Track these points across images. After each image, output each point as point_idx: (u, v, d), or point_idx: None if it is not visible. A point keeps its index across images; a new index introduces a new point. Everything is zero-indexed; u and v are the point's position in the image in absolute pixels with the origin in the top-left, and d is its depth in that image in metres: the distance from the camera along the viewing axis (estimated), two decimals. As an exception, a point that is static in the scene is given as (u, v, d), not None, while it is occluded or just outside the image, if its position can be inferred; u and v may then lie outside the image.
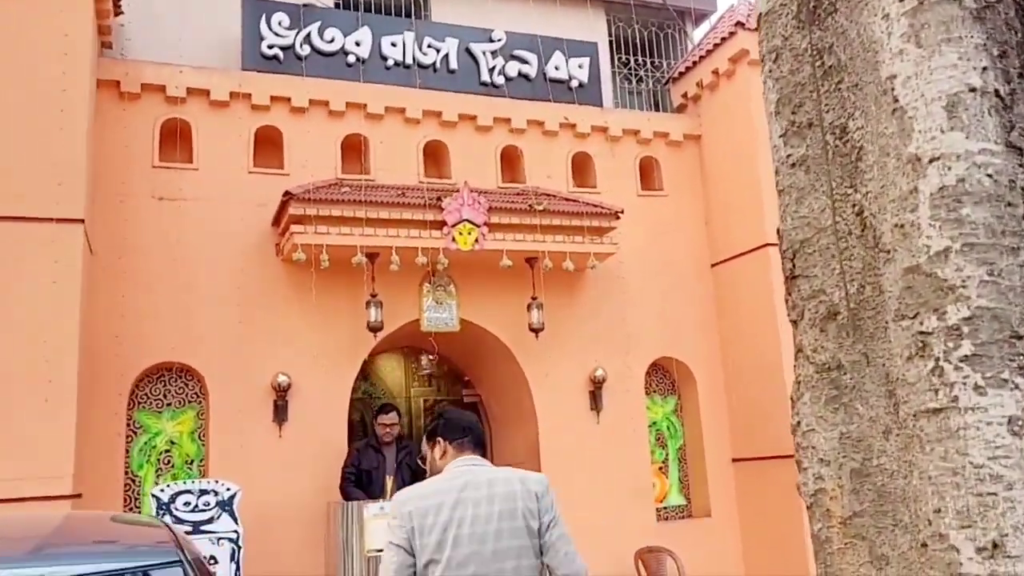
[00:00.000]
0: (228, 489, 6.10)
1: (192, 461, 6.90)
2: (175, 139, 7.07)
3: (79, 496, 6.21)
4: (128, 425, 6.80)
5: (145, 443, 6.83)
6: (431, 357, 8.02)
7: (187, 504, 5.97)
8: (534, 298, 7.58)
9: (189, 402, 7.00)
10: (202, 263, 6.98)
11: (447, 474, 2.80)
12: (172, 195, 7.00)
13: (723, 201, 8.64)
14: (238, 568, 5.96)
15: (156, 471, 6.81)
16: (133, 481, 6.71)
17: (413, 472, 6.63)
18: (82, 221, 5.92)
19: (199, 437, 6.92)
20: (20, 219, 5.71)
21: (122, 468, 6.56)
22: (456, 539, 2.60)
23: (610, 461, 7.91)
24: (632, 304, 8.31)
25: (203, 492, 6.03)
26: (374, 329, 7.05)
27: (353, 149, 7.67)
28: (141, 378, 6.87)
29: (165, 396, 6.95)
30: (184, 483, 6.05)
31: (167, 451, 6.87)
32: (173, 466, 6.86)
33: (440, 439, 2.90)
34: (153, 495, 5.93)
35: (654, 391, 8.59)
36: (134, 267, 6.78)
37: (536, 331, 7.57)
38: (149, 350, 6.71)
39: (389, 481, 6.36)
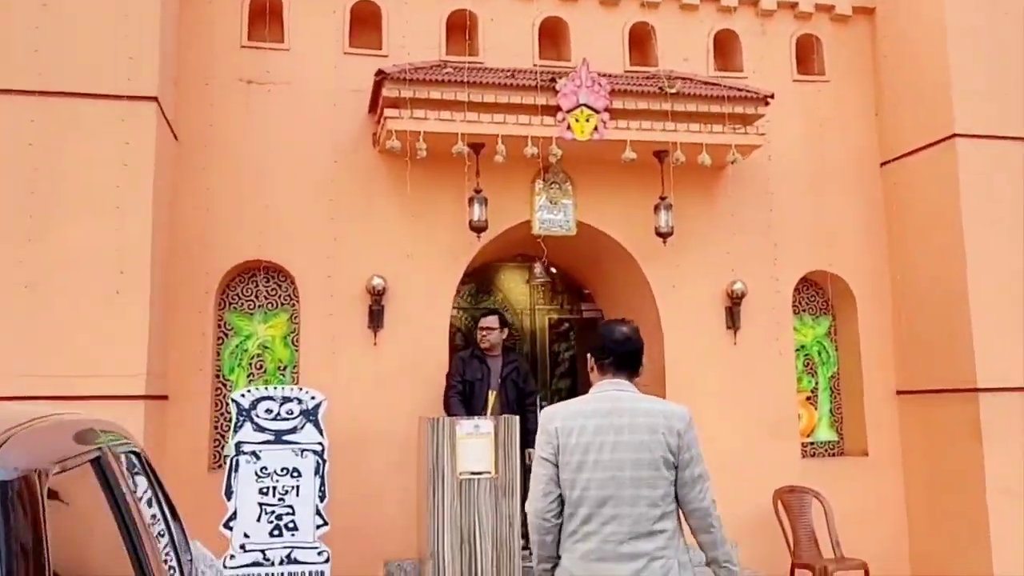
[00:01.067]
0: (313, 398, 5.57)
1: (285, 367, 6.44)
2: (264, 16, 6.42)
3: (164, 398, 5.88)
4: (219, 327, 6.39)
5: (236, 346, 6.42)
6: (543, 262, 7.16)
7: (269, 412, 5.48)
8: (663, 198, 6.54)
9: (282, 304, 6.51)
10: (292, 153, 6.38)
11: (592, 396, 2.88)
12: (261, 78, 6.39)
13: (900, 87, 7.19)
14: (323, 482, 5.45)
15: (248, 375, 6.40)
16: (224, 385, 6.33)
17: (519, 389, 5.91)
18: (155, 99, 5.39)
19: (292, 342, 6.43)
20: (87, 96, 5.24)
21: (211, 371, 6.17)
22: (596, 463, 2.72)
23: (748, 388, 6.88)
24: (780, 208, 7.10)
25: (286, 399, 5.53)
26: (477, 229, 6.25)
27: (459, 28, 6.78)
28: (232, 277, 6.42)
29: (257, 297, 6.48)
30: (266, 389, 5.56)
31: (259, 355, 6.44)
32: (265, 371, 6.42)
33: (589, 356, 2.95)
34: (233, 400, 5.48)
35: (804, 310, 7.41)
36: (220, 157, 6.26)
37: (664, 236, 6.56)
38: (236, 247, 6.22)
39: (491, 396, 5.65)
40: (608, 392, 2.86)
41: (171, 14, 5.89)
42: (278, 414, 5.50)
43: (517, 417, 5.40)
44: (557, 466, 2.75)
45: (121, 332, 5.18)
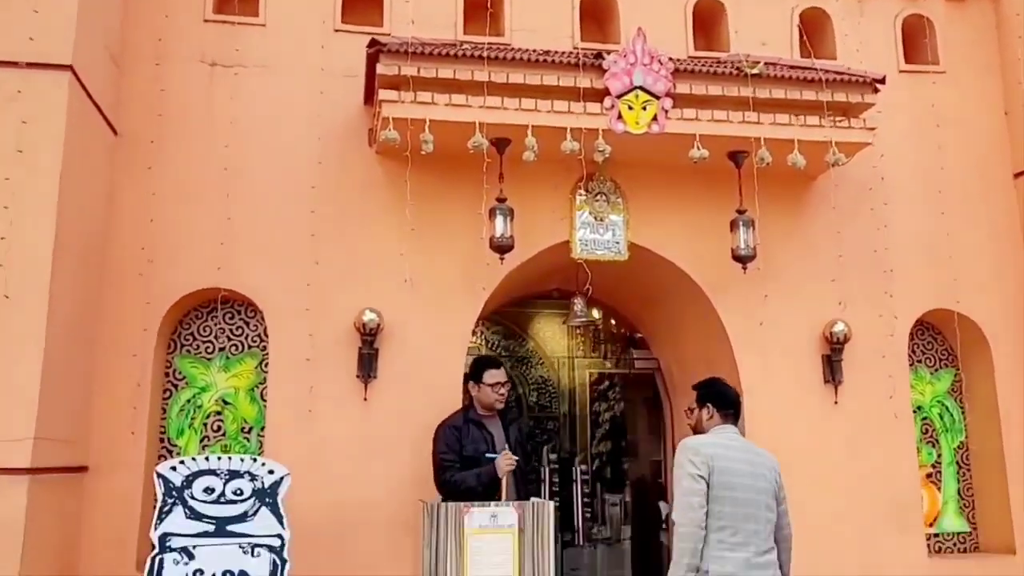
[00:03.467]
0: (271, 472, 4.07)
1: (251, 429, 4.96)
2: (235, -17, 5.13)
3: (82, 470, 4.41)
4: (167, 375, 4.94)
5: (188, 401, 4.95)
6: (585, 294, 5.63)
7: (209, 491, 3.99)
8: (741, 211, 5.03)
9: (249, 347, 5.05)
10: (265, 152, 5.00)
11: (722, 436, 3.53)
12: (228, 59, 5.05)
13: (1035, 78, 5.66)
14: (281, 591, 3.91)
15: (202, 440, 4.92)
16: (170, 453, 4.85)
17: (527, 450, 4.37)
18: (69, 68, 4.05)
19: (261, 396, 4.96)
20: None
21: (150, 434, 4.70)
22: (741, 485, 3.35)
23: (855, 462, 5.24)
24: (892, 227, 5.54)
25: (233, 475, 4.03)
26: (501, 248, 4.77)
27: (479, 7, 5.41)
28: (184, 311, 4.99)
29: (216, 337, 5.04)
30: (206, 459, 4.06)
31: (218, 413, 4.96)
32: (225, 434, 4.94)
33: (711, 405, 3.64)
34: (159, 475, 3.99)
35: (919, 360, 5.78)
36: (172, 155, 4.90)
37: (744, 261, 5.02)
38: (189, 271, 4.80)
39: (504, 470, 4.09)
40: (731, 434, 3.57)
41: (108, -30, 4.60)
42: (222, 495, 4.00)
43: (553, 504, 3.83)
44: (709, 485, 3.28)
45: (3, 382, 3.75)
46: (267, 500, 4.02)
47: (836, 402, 5.32)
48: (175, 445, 4.88)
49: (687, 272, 5.32)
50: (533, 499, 3.98)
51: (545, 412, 8.25)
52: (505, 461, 4.03)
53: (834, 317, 5.30)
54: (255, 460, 4.09)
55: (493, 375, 4.40)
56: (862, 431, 5.29)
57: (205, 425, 4.94)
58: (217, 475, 4.02)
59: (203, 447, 4.88)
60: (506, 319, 7.69)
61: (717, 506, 3.26)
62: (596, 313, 6.82)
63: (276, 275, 4.87)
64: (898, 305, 5.43)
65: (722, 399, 3.63)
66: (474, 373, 4.51)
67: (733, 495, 3.29)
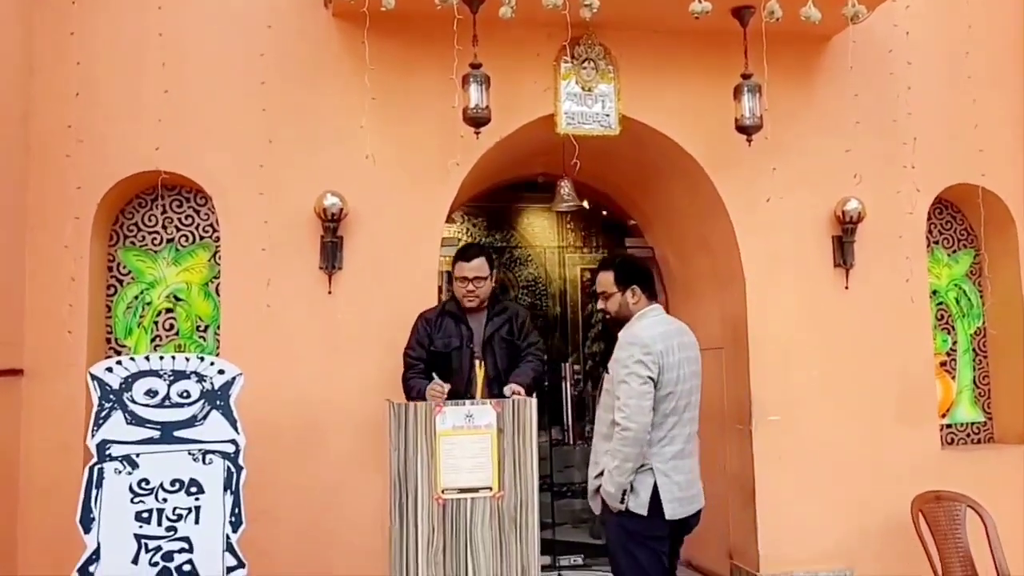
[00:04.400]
0: (221, 372, 3.64)
1: (207, 327, 4.52)
2: None
3: (18, 373, 3.99)
4: (111, 270, 4.47)
5: (136, 298, 4.50)
6: (574, 165, 5.10)
7: (151, 393, 3.56)
8: (747, 76, 4.45)
9: (201, 237, 4.56)
10: (206, 15, 4.39)
11: (660, 319, 3.35)
12: (156, -95, 4.38)
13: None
14: (237, 501, 3.54)
15: (153, 340, 4.49)
16: (119, 354, 4.42)
17: (511, 348, 3.93)
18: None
19: (217, 291, 4.50)
20: None
21: (89, 333, 4.25)
22: (683, 376, 3.22)
23: (866, 352, 4.84)
24: (911, 94, 4.97)
25: (178, 376, 3.60)
26: (476, 121, 4.20)
27: None
28: (128, 199, 4.48)
29: (164, 228, 4.54)
30: (147, 359, 3.63)
31: (169, 311, 4.52)
32: (178, 333, 4.51)
33: (637, 287, 3.35)
34: (94, 377, 3.55)
35: (936, 242, 5.33)
36: (98, 19, 4.29)
37: (749, 132, 4.47)
38: (123, 152, 4.26)
39: (479, 370, 3.68)
40: (662, 316, 3.39)
41: None
42: (166, 398, 3.58)
43: (535, 401, 3.42)
44: (657, 386, 3.14)
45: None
46: (218, 403, 3.60)
47: (847, 287, 4.88)
48: (123, 346, 4.45)
49: (685, 148, 4.79)
50: (513, 394, 3.57)
51: (535, 312, 7.83)
52: (432, 392, 3.56)
53: (847, 194, 4.81)
54: (202, 359, 3.65)
55: (460, 268, 3.86)
56: (874, 318, 4.87)
57: (156, 324, 4.50)
58: (160, 376, 3.60)
59: (155, 347, 4.46)
60: (491, 214, 7.18)
61: (662, 403, 3.15)
62: (587, 204, 6.32)
63: (223, 155, 4.34)
64: (918, 179, 4.92)
65: (647, 278, 3.39)
66: (453, 261, 4.04)
67: (680, 387, 3.19)
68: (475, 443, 3.32)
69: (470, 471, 3.31)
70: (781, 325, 4.78)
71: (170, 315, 4.51)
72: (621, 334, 3.34)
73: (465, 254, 3.92)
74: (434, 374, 3.71)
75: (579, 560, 5.59)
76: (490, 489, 3.30)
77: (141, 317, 4.49)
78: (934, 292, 5.24)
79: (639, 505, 3.14)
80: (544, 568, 5.50)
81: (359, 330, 4.35)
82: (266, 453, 4.07)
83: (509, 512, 3.30)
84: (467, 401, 3.36)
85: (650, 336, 3.21)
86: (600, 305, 3.48)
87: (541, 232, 7.73)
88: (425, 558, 3.25)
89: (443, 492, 3.28)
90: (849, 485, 4.71)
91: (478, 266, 3.84)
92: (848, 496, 4.71)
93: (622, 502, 3.14)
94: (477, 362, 3.73)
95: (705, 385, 5.14)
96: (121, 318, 4.47)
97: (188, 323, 4.51)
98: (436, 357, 3.79)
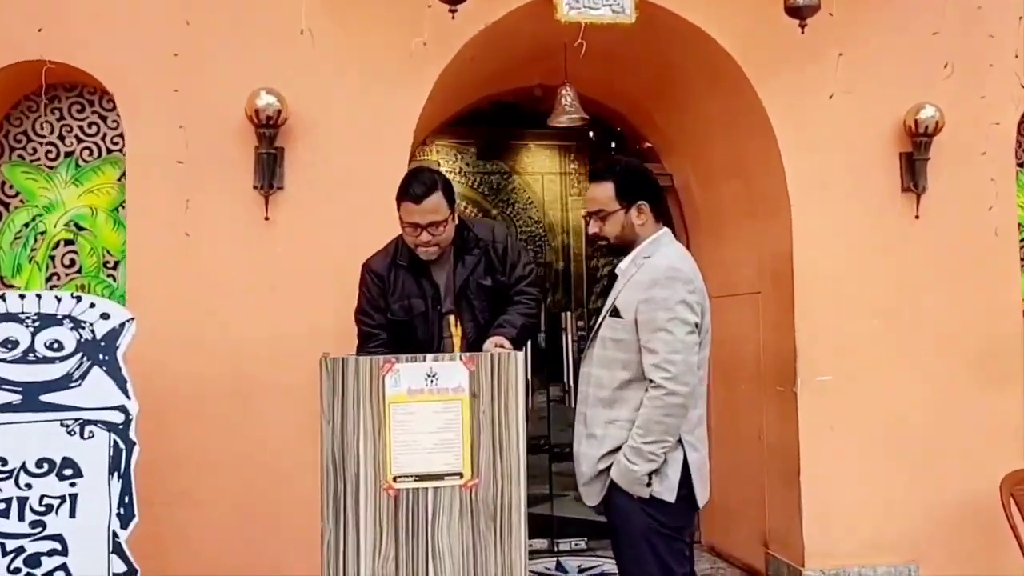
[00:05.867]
0: (105, 317, 2.73)
1: (116, 263, 3.60)
2: None
3: None
4: (-6, 191, 3.55)
5: (26, 225, 3.58)
6: (572, 87, 4.14)
7: (9, 344, 2.67)
8: (800, -59, 3.46)
9: (109, 151, 3.62)
10: None
11: (680, 248, 2.56)
12: None
13: None
14: (128, 488, 2.66)
15: (49, 278, 3.57)
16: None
17: (495, 293, 2.95)
18: None
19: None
20: None
21: (-37, 269, 3.35)
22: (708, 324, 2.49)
23: (939, 295, 3.91)
24: (1004, -26, 3.97)
25: (46, 321, 2.70)
26: (451, -4, 3.25)
27: None
28: (11, 102, 3.54)
29: (62, 138, 3.60)
30: (3, 298, 2.72)
31: (70, 242, 3.59)
32: (80, 270, 3.59)
33: (644, 204, 2.53)
34: (-72, 321, 2.66)
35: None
36: None
37: (803, 15, 3.48)
38: (-3, 35, 3.32)
39: (453, 328, 2.77)
40: (677, 242, 2.61)
41: None
42: (30, 350, 2.68)
43: (520, 354, 2.49)
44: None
45: None
46: (101, 357, 2.71)
47: (917, 216, 3.93)
48: (11, 286, 3.53)
49: (718, 41, 3.81)
50: (496, 347, 2.65)
51: (534, 262, 6.89)
52: None
53: (918, 101, 3.83)
54: (79, 299, 2.74)
55: (408, 211, 2.70)
56: (950, 255, 3.93)
57: (52, 259, 3.58)
58: (21, 322, 2.69)
59: (51, 287, 3.54)
60: (487, 152, 6.20)
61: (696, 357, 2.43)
62: (592, 135, 5.35)
63: (125, 41, 3.38)
64: (998, 86, 3.94)
65: (657, 191, 2.60)
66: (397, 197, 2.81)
67: (707, 338, 2.49)
68: (439, 413, 2.41)
69: (432, 451, 2.40)
70: (835, 263, 3.85)
71: (70, 248, 3.59)
72: (644, 268, 2.46)
73: (410, 190, 2.68)
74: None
75: (581, 544, 4.75)
76: (459, 476, 2.40)
77: (33, 250, 3.57)
78: (1020, 225, 4.28)
79: (668, 489, 2.39)
80: (540, 553, 4.66)
81: (306, 265, 3.44)
82: (185, 420, 3.21)
83: (486, 506, 2.40)
84: (430, 357, 2.44)
85: (691, 268, 2.47)
86: (593, 229, 2.57)
87: (540, 169, 6.75)
88: (369, 569, 2.36)
89: (395, 480, 2.38)
90: (916, 461, 3.81)
91: (433, 207, 2.67)
92: (915, 475, 3.81)
93: (648, 485, 2.36)
94: (451, 319, 2.80)
95: (737, 337, 4.30)
96: (7, 251, 3.55)
97: (93, 258, 3.59)
98: (396, 327, 2.83)
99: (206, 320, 3.35)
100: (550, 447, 5.43)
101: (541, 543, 4.72)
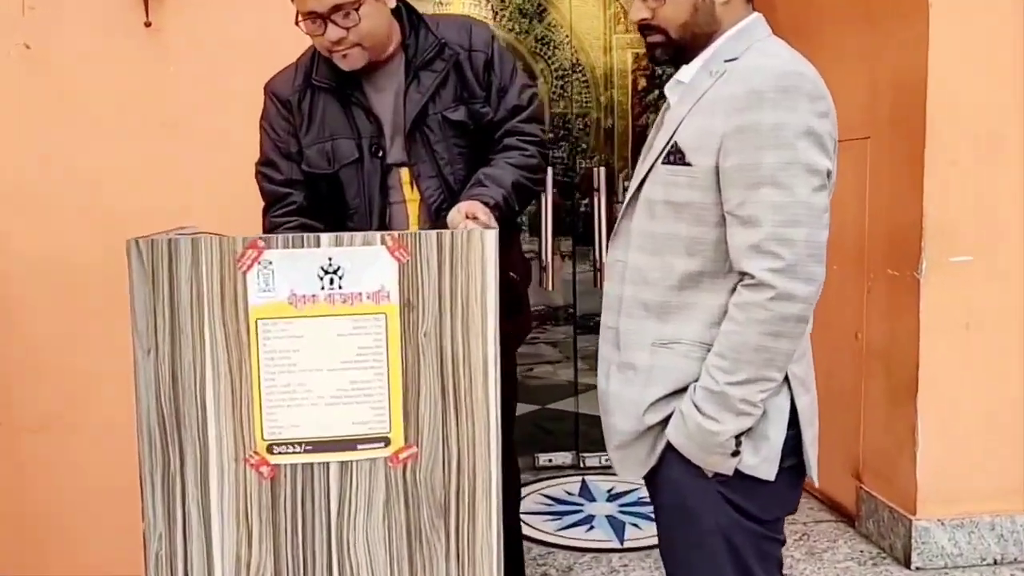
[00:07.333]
0: None
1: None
2: None
3: None
4: None
5: None
6: None
7: None
8: None
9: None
10: None
11: (786, 45, 1.48)
12: None
13: None
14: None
15: None
16: None
17: (473, 134, 1.84)
18: None
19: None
20: None
21: None
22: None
23: None
24: None
25: None
26: None
27: None
28: None
29: None
30: None
31: None
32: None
33: None
34: None
35: None
36: None
37: None
38: None
39: (405, 187, 1.72)
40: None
41: None
42: None
43: (493, 231, 1.42)
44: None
45: None
46: None
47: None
48: None
49: None
50: (467, 218, 1.59)
51: (573, 109, 5.67)
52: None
53: None
54: None
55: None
56: None
57: None
58: None
59: None
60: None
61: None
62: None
63: None
64: None
65: None
66: None
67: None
68: (346, 337, 1.38)
69: (334, 402, 1.38)
70: (988, 98, 2.65)
71: None
72: (728, 76, 1.41)
73: None
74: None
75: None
76: (384, 442, 1.39)
77: None
78: None
79: (767, 460, 1.42)
80: (562, 470, 3.75)
81: (207, 93, 2.35)
82: (42, 317, 2.24)
83: (431, 493, 1.40)
84: (322, 235, 1.37)
85: (815, 74, 1.42)
86: (643, 14, 1.47)
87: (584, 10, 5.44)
88: (231, 596, 1.40)
89: (270, 450, 1.38)
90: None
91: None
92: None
93: (735, 454, 1.40)
94: (401, 174, 1.79)
95: (834, 201, 3.16)
96: None
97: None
98: (315, 184, 1.83)
99: (65, 176, 2.32)
100: (575, 316, 4.41)
101: (564, 457, 3.80)
